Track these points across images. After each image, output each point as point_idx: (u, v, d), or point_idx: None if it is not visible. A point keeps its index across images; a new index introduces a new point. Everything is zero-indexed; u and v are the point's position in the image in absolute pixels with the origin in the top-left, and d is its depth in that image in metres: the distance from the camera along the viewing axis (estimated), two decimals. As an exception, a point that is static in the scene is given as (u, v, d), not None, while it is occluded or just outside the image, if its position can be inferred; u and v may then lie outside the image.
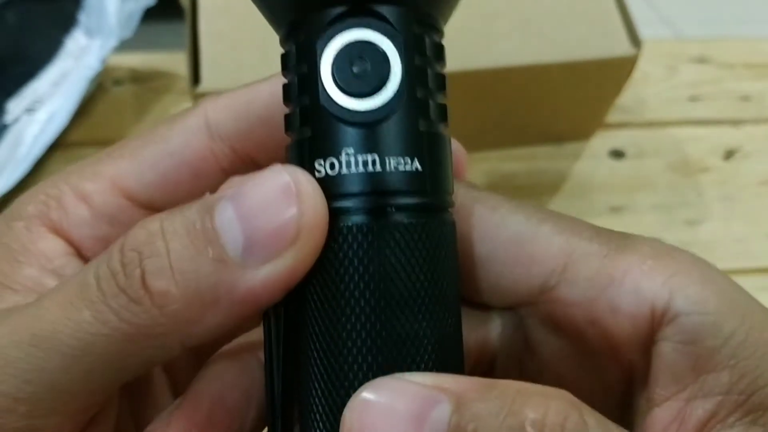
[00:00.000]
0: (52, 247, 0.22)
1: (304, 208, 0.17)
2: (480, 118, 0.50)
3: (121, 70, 0.57)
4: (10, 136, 0.49)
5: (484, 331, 0.23)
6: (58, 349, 0.17)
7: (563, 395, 0.17)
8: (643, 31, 0.46)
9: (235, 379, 0.21)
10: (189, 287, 0.17)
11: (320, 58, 0.18)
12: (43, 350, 0.18)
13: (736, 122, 0.56)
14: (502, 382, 0.17)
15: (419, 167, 0.18)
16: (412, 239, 0.18)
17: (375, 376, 0.17)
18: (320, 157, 0.18)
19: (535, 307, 0.21)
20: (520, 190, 0.52)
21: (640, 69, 0.54)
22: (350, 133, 0.18)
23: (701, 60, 0.60)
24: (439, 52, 0.19)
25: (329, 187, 0.18)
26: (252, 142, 0.23)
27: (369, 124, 0.18)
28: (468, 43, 0.44)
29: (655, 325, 0.18)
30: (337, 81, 0.18)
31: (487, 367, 0.23)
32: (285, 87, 0.19)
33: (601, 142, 0.54)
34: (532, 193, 0.52)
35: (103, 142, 0.53)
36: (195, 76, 0.43)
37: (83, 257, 0.22)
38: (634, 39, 0.46)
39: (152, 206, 0.23)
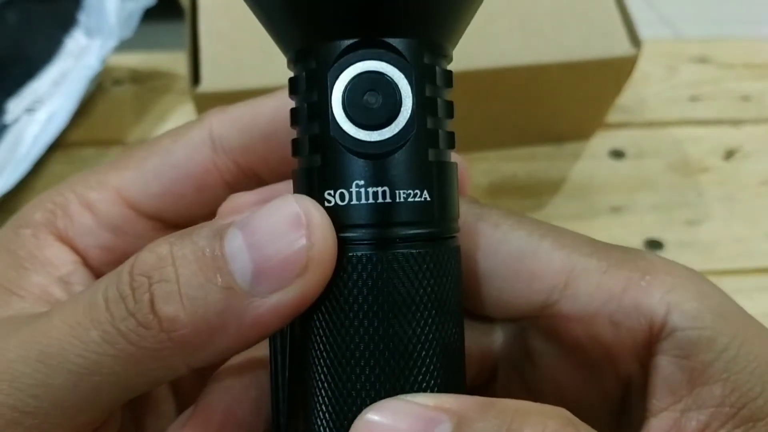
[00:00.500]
0: (59, 254, 0.22)
1: (314, 239, 0.17)
2: (480, 118, 0.50)
3: (120, 70, 0.57)
4: (10, 136, 0.49)
5: (486, 342, 0.23)
6: (64, 366, 0.18)
7: (561, 413, 0.17)
8: (643, 31, 0.46)
9: (244, 393, 0.21)
10: (197, 314, 0.17)
11: (331, 89, 0.18)
12: (49, 367, 0.18)
13: (736, 122, 0.56)
14: (502, 401, 0.17)
15: (428, 197, 0.18)
16: (420, 269, 0.18)
17: (379, 398, 0.17)
18: (330, 188, 0.18)
19: (536, 320, 0.21)
20: (520, 190, 0.52)
21: (640, 69, 0.54)
22: (361, 164, 0.18)
23: (701, 60, 0.60)
24: (448, 79, 0.19)
25: (339, 217, 0.18)
26: (255, 156, 0.23)
27: (379, 156, 0.18)
28: (468, 43, 0.44)
29: (652, 338, 0.19)
30: (348, 112, 0.18)
31: (489, 376, 0.23)
32: (293, 111, 0.19)
33: (601, 142, 0.54)
34: (532, 193, 0.52)
35: (103, 142, 0.53)
36: (195, 76, 0.43)
37: (89, 266, 0.22)
38: (634, 39, 0.46)
39: (156, 217, 0.23)
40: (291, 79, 0.19)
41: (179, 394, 0.26)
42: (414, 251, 0.18)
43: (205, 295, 0.17)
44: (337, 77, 0.18)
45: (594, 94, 0.50)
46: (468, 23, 0.20)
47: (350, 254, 0.18)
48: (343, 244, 0.18)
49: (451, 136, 0.19)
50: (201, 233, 0.18)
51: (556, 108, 0.51)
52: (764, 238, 0.49)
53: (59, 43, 0.54)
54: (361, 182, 0.18)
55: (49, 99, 0.51)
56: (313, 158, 0.18)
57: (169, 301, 0.17)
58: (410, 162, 0.18)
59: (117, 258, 0.23)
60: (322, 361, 0.18)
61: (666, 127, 0.56)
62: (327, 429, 0.18)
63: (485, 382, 0.23)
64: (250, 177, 0.23)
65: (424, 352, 0.18)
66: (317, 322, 0.18)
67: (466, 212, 0.21)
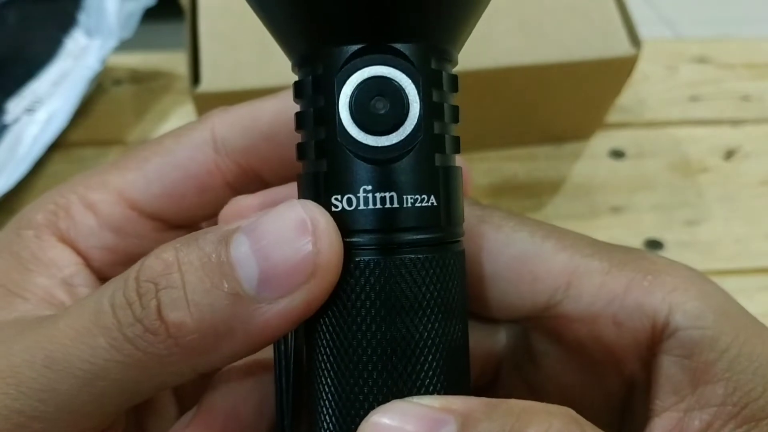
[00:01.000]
0: (61, 256, 0.22)
1: (320, 246, 0.17)
2: (480, 118, 0.50)
3: (120, 70, 0.57)
4: (9, 136, 0.49)
5: (489, 343, 0.23)
6: (71, 372, 0.18)
7: (566, 413, 0.17)
8: (643, 31, 0.46)
9: (247, 393, 0.21)
10: (204, 320, 0.17)
11: (338, 94, 0.18)
12: (56, 372, 0.18)
13: (736, 122, 0.56)
14: (507, 402, 0.17)
15: (435, 202, 0.18)
16: (427, 274, 0.18)
17: (386, 401, 0.17)
18: (338, 193, 0.18)
19: (539, 321, 0.21)
20: (520, 190, 0.52)
21: (640, 69, 0.54)
22: (368, 170, 0.18)
23: (701, 60, 0.60)
24: (454, 84, 0.19)
25: (346, 222, 0.18)
26: (257, 157, 0.23)
27: (387, 161, 0.18)
28: (468, 43, 0.44)
29: (655, 338, 0.19)
30: (355, 117, 0.18)
31: (492, 377, 0.23)
32: (298, 115, 0.19)
33: (601, 142, 0.54)
34: (532, 193, 0.52)
35: (103, 143, 0.53)
36: (195, 76, 0.43)
37: (91, 266, 0.22)
38: (634, 39, 0.46)
39: (158, 217, 0.23)
40: (296, 83, 0.19)
41: (181, 397, 0.26)
42: (421, 256, 0.18)
43: (211, 302, 0.17)
44: (344, 82, 0.18)
45: (594, 94, 0.50)
46: (473, 27, 0.20)
47: (357, 259, 0.18)
48: (349, 249, 0.18)
49: (456, 140, 0.19)
50: (207, 239, 0.18)
51: (556, 108, 0.51)
52: (764, 238, 0.49)
53: (59, 44, 0.54)
54: (369, 187, 0.18)
55: (49, 99, 0.51)
56: (320, 163, 0.18)
57: (175, 307, 0.17)
58: (417, 167, 0.18)
59: (119, 259, 0.23)
60: (327, 364, 0.18)
61: (666, 127, 0.56)
62: (332, 425, 0.18)
63: (488, 383, 0.24)
64: (252, 178, 0.23)
65: (430, 356, 0.18)
66: (323, 326, 0.18)
67: (468, 214, 0.21)
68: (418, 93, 0.18)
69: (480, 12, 0.19)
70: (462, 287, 0.19)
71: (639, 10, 0.49)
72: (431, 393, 0.18)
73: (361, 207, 0.18)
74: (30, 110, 0.51)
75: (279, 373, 0.20)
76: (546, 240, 0.20)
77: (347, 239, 0.18)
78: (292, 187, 0.20)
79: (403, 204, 0.18)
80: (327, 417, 0.18)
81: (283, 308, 0.18)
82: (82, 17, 0.55)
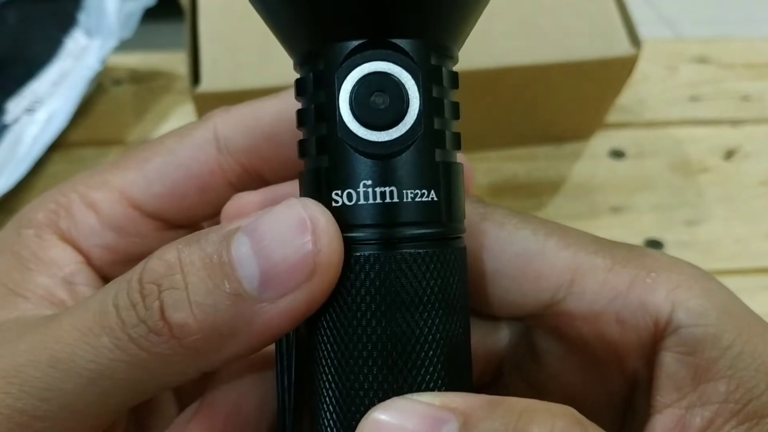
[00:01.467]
0: (62, 255, 0.22)
1: (320, 244, 0.17)
2: (480, 118, 0.50)
3: (120, 70, 0.57)
4: (9, 136, 0.49)
5: (492, 341, 0.23)
6: (75, 371, 0.18)
7: (568, 412, 0.17)
8: (643, 31, 0.46)
9: (250, 389, 0.21)
10: (207, 320, 0.18)
11: (339, 89, 0.18)
12: (60, 371, 0.18)
13: (736, 122, 0.56)
14: (509, 400, 0.17)
15: (435, 197, 0.18)
16: (428, 269, 0.18)
17: (386, 397, 0.17)
18: (338, 188, 0.18)
19: (542, 319, 0.21)
20: (520, 190, 0.52)
21: (640, 69, 0.54)
22: (368, 164, 0.18)
23: (701, 60, 0.60)
24: (455, 80, 0.19)
25: (346, 217, 0.18)
26: (258, 157, 0.23)
27: (387, 156, 0.18)
28: (468, 43, 0.44)
29: (657, 335, 0.19)
30: (356, 113, 0.18)
31: (495, 374, 0.23)
32: (300, 112, 0.19)
33: (601, 142, 0.54)
34: (532, 193, 0.52)
35: (103, 143, 0.53)
36: (195, 77, 0.43)
37: (92, 265, 0.22)
38: (634, 39, 0.46)
39: (159, 217, 0.23)
40: (297, 81, 0.19)
41: (181, 395, 0.26)
42: (421, 251, 0.18)
43: (213, 302, 0.17)
44: (344, 78, 0.18)
45: (594, 94, 0.50)
46: (473, 24, 0.20)
47: (357, 254, 0.18)
48: (350, 244, 0.18)
49: (457, 137, 0.19)
50: (208, 239, 0.18)
51: (556, 108, 0.51)
52: (764, 238, 0.49)
53: (59, 44, 0.54)
54: (369, 182, 0.18)
55: (49, 99, 0.51)
56: (321, 159, 0.18)
57: (178, 308, 0.17)
58: (417, 162, 0.18)
59: (120, 258, 0.23)
60: (328, 361, 0.18)
61: (666, 127, 0.56)
62: (334, 429, 0.18)
63: (491, 381, 0.24)
64: (254, 177, 0.23)
65: (431, 352, 0.18)
66: (323, 322, 0.18)
67: (471, 212, 0.21)
68: (418, 88, 0.18)
69: (480, 9, 0.19)
70: (463, 283, 0.19)
71: (639, 10, 0.49)
72: (432, 389, 0.18)
73: (362, 202, 0.18)
74: (30, 110, 0.51)
75: (280, 370, 0.20)
76: (549, 237, 0.20)
77: (348, 234, 0.18)
78: (294, 185, 0.20)
79: (403, 198, 0.18)
80: (328, 414, 0.18)
81: (285, 307, 0.18)
82: (82, 17, 0.55)
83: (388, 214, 0.18)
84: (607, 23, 0.47)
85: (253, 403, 0.21)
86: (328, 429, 0.18)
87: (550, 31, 0.46)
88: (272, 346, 0.21)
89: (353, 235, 0.18)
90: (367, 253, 0.18)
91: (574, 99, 0.50)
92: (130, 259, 0.22)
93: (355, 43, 0.18)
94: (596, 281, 0.20)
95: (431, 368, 0.18)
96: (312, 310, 0.18)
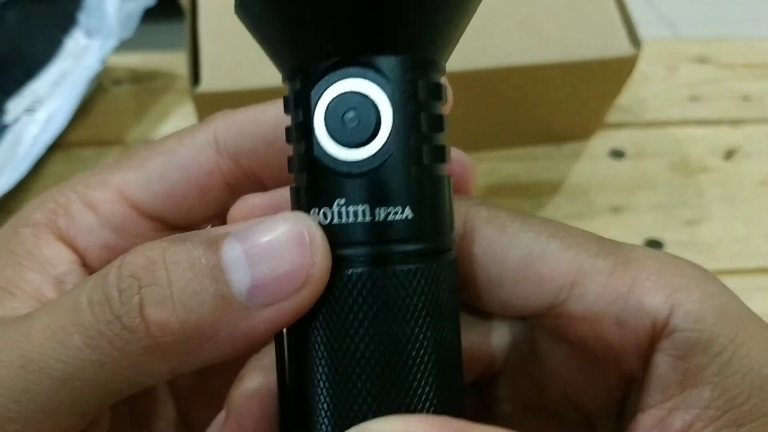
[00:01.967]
0: (57, 254, 0.22)
1: (315, 259, 0.18)
2: (480, 118, 0.50)
3: (120, 70, 0.57)
4: (9, 136, 0.49)
5: (494, 339, 0.23)
6: (46, 371, 0.18)
7: None
8: (643, 31, 0.46)
9: (273, 393, 0.21)
10: (190, 321, 0.17)
11: (314, 108, 0.18)
12: (31, 372, 0.18)
13: (736, 122, 0.56)
14: (475, 429, 0.17)
15: (411, 215, 0.18)
16: (411, 286, 0.18)
17: (379, 408, 0.18)
18: (315, 206, 0.18)
19: (543, 319, 0.21)
20: (520, 190, 0.52)
21: (640, 69, 0.54)
22: (342, 183, 0.18)
23: (701, 60, 0.60)
24: (436, 92, 0.19)
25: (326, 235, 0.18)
26: (258, 161, 0.23)
27: (361, 175, 0.18)
28: (468, 43, 0.44)
29: (654, 337, 0.19)
30: (330, 131, 0.18)
31: (497, 372, 0.23)
32: (286, 130, 0.19)
33: (601, 142, 0.54)
34: (532, 193, 0.52)
35: (103, 143, 0.53)
36: (195, 77, 0.43)
37: (88, 266, 0.22)
38: (634, 39, 0.46)
39: (158, 217, 0.23)
40: (284, 98, 0.19)
41: (178, 395, 0.26)
42: (402, 268, 0.18)
43: (199, 303, 0.17)
44: (319, 97, 0.18)
45: (594, 94, 0.50)
46: (456, 35, 0.19)
47: (342, 272, 0.18)
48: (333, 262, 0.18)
49: (440, 150, 0.19)
50: (195, 240, 0.18)
51: (556, 108, 0.51)
52: (764, 237, 0.49)
53: (59, 44, 0.54)
54: (342, 201, 0.18)
55: (49, 99, 0.51)
56: (301, 177, 0.19)
57: (160, 306, 0.17)
58: (391, 179, 0.18)
59: (117, 257, 0.23)
60: (321, 373, 0.18)
61: (666, 127, 0.56)
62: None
63: (493, 378, 0.24)
64: (253, 180, 0.23)
65: (423, 366, 0.18)
66: (315, 338, 0.19)
67: (473, 215, 0.21)
68: (391, 105, 0.18)
69: (460, 22, 0.19)
70: (451, 295, 0.19)
71: (639, 10, 0.49)
72: (424, 400, 0.18)
73: (335, 221, 0.18)
74: (30, 110, 0.51)
75: (280, 380, 0.20)
76: (551, 240, 0.20)
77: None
78: None
79: (376, 217, 0.18)
80: (324, 425, 0.18)
81: (270, 316, 0.18)
82: (82, 17, 0.55)
83: (363, 232, 0.18)
84: (607, 23, 0.47)
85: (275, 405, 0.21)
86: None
87: (550, 32, 0.46)
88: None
89: (335, 252, 0.18)
90: (349, 271, 0.18)
91: (574, 99, 0.50)
92: None
93: (329, 62, 0.18)
94: (597, 284, 0.20)
95: (423, 383, 0.18)
96: (293, 321, 0.18)
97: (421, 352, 0.18)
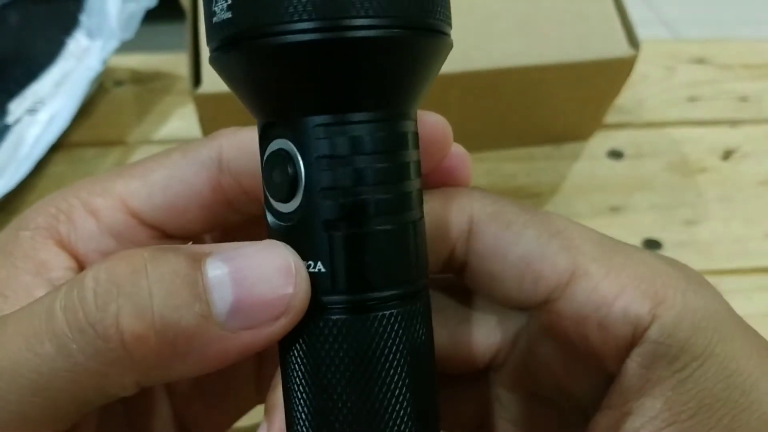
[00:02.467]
0: (54, 258, 0.22)
1: (297, 290, 0.18)
2: (479, 118, 0.50)
3: (122, 71, 0.57)
4: (11, 136, 0.50)
5: (499, 332, 0.24)
6: (18, 381, 0.17)
7: None
8: (642, 32, 0.47)
9: None
10: (167, 336, 0.17)
11: (263, 162, 0.19)
12: (4, 381, 0.17)
13: (734, 122, 0.57)
14: None
15: (322, 269, 0.18)
16: (341, 336, 0.18)
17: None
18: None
19: (537, 314, 0.22)
20: (519, 190, 0.52)
21: (639, 70, 0.54)
22: (275, 234, 0.19)
23: (699, 61, 0.61)
24: (359, 144, 0.18)
25: None
26: (259, 181, 0.23)
27: (287, 228, 0.19)
28: (468, 43, 0.44)
29: (633, 343, 0.20)
30: (267, 184, 0.19)
31: (500, 363, 0.24)
32: None
33: (600, 142, 0.54)
34: (531, 193, 0.52)
35: (104, 143, 0.53)
36: (196, 78, 0.43)
37: None
38: (633, 40, 0.46)
39: (157, 227, 0.23)
40: None
41: (174, 396, 0.26)
42: (335, 317, 0.18)
43: (178, 318, 0.17)
44: (264, 152, 0.19)
45: (593, 95, 0.50)
46: (379, 93, 0.18)
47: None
48: None
49: (372, 203, 0.18)
50: (179, 254, 0.18)
51: (555, 109, 0.51)
52: (763, 237, 0.50)
53: (61, 44, 0.54)
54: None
55: (51, 100, 0.51)
56: (264, 222, 0.20)
57: (139, 318, 0.17)
58: (303, 234, 0.18)
59: None
60: (301, 399, 0.19)
61: (664, 128, 0.56)
62: None
63: (498, 367, 0.25)
64: (252, 199, 0.23)
65: (396, 403, 0.18)
66: (291, 360, 0.19)
67: (480, 210, 0.22)
68: (304, 162, 0.18)
69: (371, 81, 0.18)
70: (406, 350, 0.19)
71: (637, 11, 0.49)
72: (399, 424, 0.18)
73: None
74: (32, 111, 0.51)
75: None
76: (552, 239, 0.21)
77: None
78: None
79: (310, 267, 0.18)
80: None
81: (245, 340, 0.18)
82: (84, 18, 0.55)
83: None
84: (605, 24, 0.47)
85: None
86: None
87: (549, 33, 0.46)
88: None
89: None
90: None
91: (573, 100, 0.50)
92: None
93: (267, 120, 0.19)
94: (588, 288, 0.20)
95: (398, 419, 0.19)
96: (263, 349, 0.18)
97: (396, 392, 0.18)
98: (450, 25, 0.19)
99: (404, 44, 0.18)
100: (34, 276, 0.21)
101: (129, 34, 0.52)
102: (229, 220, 0.24)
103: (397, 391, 0.18)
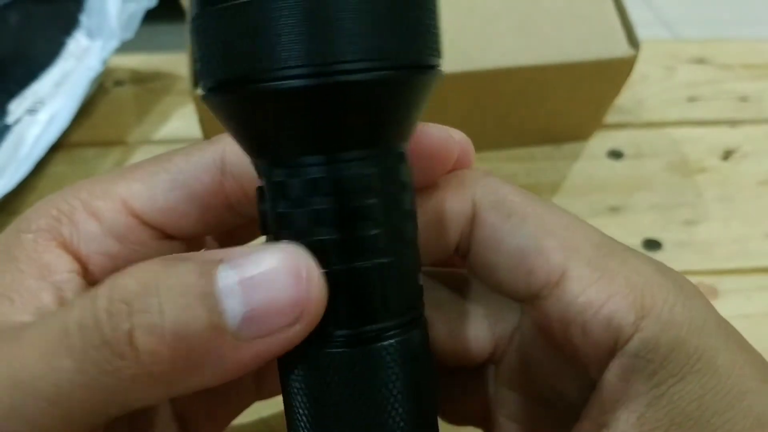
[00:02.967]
0: (57, 261, 0.22)
1: (311, 294, 0.18)
2: (479, 118, 0.50)
3: (122, 71, 0.57)
4: (11, 136, 0.50)
5: (497, 329, 0.24)
6: (36, 394, 0.17)
7: None
8: (642, 32, 0.47)
9: None
10: (180, 350, 0.17)
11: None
12: (22, 394, 0.17)
13: (734, 123, 0.57)
14: None
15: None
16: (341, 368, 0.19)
17: None
18: None
19: (529, 309, 0.22)
20: (519, 191, 0.52)
21: (639, 70, 0.54)
22: None
23: (699, 61, 0.61)
24: (310, 188, 0.18)
25: None
26: None
27: None
28: (468, 43, 0.44)
29: (614, 352, 0.20)
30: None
31: (497, 359, 0.24)
32: None
33: (600, 142, 0.55)
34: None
35: (104, 143, 0.53)
36: (196, 78, 0.43)
37: (89, 273, 0.22)
38: (633, 40, 0.46)
39: (160, 228, 0.23)
40: None
41: (175, 400, 0.26)
42: (332, 350, 0.19)
43: (191, 332, 0.17)
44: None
45: (592, 95, 0.50)
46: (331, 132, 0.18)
47: None
48: None
49: (335, 245, 0.18)
50: (189, 265, 0.18)
51: (555, 109, 0.51)
52: (763, 237, 0.50)
53: (61, 45, 0.54)
54: None
55: (51, 100, 0.51)
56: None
57: (151, 334, 0.17)
58: None
59: (118, 265, 0.23)
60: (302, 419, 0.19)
61: (664, 128, 0.56)
62: None
63: (496, 363, 0.25)
64: (254, 202, 0.24)
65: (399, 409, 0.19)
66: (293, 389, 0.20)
67: (483, 199, 0.22)
68: (267, 203, 0.19)
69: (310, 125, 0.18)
70: (391, 383, 0.19)
71: (637, 12, 0.49)
72: None
73: None
74: (32, 111, 0.51)
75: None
76: (549, 237, 0.21)
77: None
78: None
79: None
80: None
81: (260, 347, 0.18)
82: (84, 18, 0.55)
83: None
84: (605, 24, 0.47)
85: None
86: None
87: (549, 33, 0.46)
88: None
89: None
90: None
91: (572, 100, 0.50)
92: (126, 267, 0.23)
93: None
94: (576, 290, 0.20)
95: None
96: (280, 355, 0.18)
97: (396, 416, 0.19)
98: (440, 53, 0.19)
99: (396, 84, 0.18)
100: (38, 279, 0.21)
101: (129, 34, 0.52)
102: (231, 222, 0.24)
103: (396, 414, 0.19)
